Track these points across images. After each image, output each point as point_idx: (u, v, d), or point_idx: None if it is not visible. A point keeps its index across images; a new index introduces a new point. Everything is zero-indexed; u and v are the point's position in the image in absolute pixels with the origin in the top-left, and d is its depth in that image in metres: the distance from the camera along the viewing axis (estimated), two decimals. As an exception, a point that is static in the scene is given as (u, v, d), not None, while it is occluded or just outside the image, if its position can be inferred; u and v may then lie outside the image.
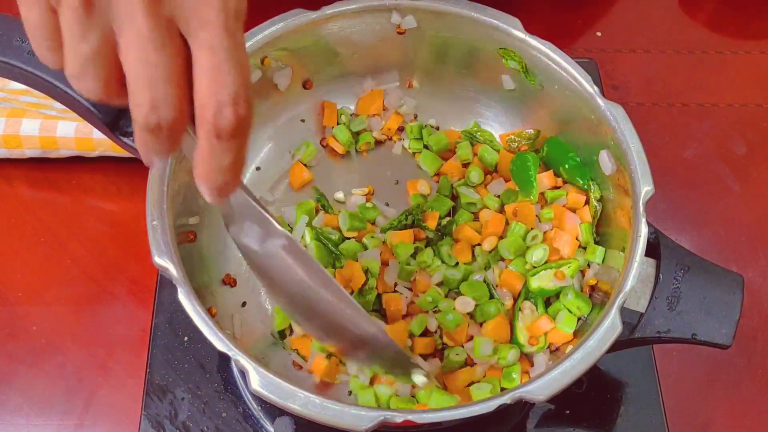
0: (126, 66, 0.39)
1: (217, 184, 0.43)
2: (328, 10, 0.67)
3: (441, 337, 0.65)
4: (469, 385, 0.62)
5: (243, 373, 0.53)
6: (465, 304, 0.64)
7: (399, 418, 0.50)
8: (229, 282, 0.66)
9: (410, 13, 0.68)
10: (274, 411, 0.64)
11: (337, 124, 0.73)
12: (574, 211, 0.67)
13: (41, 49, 0.41)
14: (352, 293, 0.65)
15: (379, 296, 0.66)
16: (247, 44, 0.63)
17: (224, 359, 0.67)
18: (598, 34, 0.91)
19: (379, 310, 0.66)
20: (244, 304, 0.66)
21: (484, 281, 0.66)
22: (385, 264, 0.67)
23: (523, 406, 0.66)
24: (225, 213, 0.54)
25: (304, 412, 0.50)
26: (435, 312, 0.65)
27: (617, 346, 0.55)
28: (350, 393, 0.63)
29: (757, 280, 0.75)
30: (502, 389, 0.61)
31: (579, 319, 0.62)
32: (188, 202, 0.62)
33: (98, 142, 0.76)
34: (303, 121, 0.73)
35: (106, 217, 0.77)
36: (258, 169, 0.72)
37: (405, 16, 0.68)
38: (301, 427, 0.61)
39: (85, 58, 0.39)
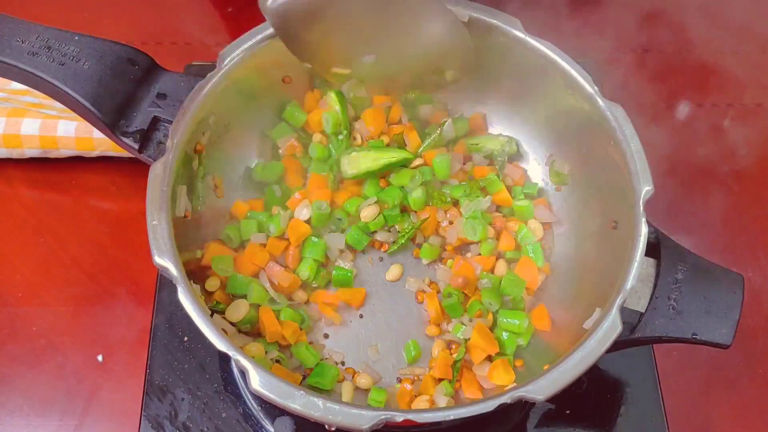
0: None
1: None
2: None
3: None
4: None
5: (243, 373, 0.53)
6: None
7: (399, 417, 0.50)
8: None
9: None
10: (274, 411, 0.64)
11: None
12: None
13: None
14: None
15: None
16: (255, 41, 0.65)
17: (224, 359, 0.67)
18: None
19: None
20: None
21: None
22: None
23: (523, 406, 0.66)
24: None
25: (304, 412, 0.50)
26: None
27: (617, 346, 0.55)
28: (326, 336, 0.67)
29: (757, 280, 0.75)
30: None
31: None
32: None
33: (98, 141, 0.76)
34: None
35: (106, 217, 0.77)
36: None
37: None
38: (301, 427, 0.61)
39: None
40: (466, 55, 0.68)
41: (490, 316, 0.67)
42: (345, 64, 0.68)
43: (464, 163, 0.73)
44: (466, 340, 0.65)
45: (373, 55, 0.67)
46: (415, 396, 0.63)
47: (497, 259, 0.69)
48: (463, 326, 0.66)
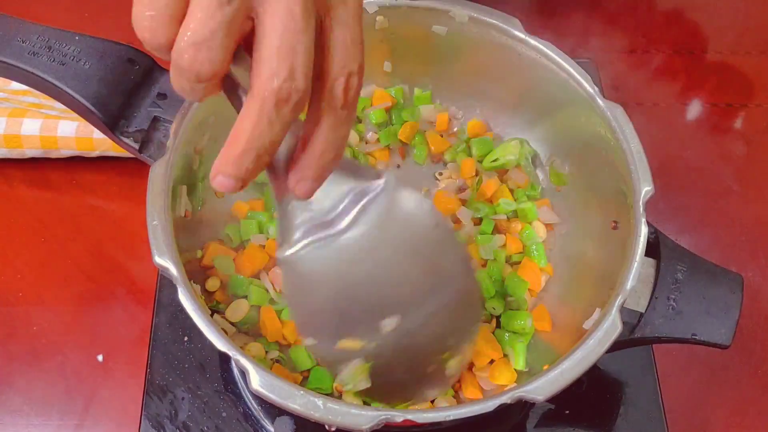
0: (265, 34, 0.39)
1: (330, 157, 0.44)
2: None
3: None
4: None
5: (243, 373, 0.53)
6: None
7: (399, 417, 0.50)
8: None
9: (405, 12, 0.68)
10: (274, 411, 0.64)
11: None
12: None
13: (162, 17, 0.38)
14: None
15: None
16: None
17: (224, 359, 0.67)
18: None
19: None
20: None
21: None
22: None
23: (523, 406, 0.66)
24: (285, 225, 0.49)
25: (304, 412, 0.50)
26: None
27: (617, 346, 0.55)
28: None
29: (757, 280, 0.75)
30: None
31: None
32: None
33: (99, 141, 0.76)
34: None
35: (106, 217, 0.77)
36: None
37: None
38: (301, 427, 0.61)
39: (220, 23, 0.38)
40: (474, 334, 0.60)
41: (494, 321, 0.66)
42: (359, 332, 0.54)
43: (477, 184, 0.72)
44: None
45: (397, 316, 0.54)
46: None
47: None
48: None
